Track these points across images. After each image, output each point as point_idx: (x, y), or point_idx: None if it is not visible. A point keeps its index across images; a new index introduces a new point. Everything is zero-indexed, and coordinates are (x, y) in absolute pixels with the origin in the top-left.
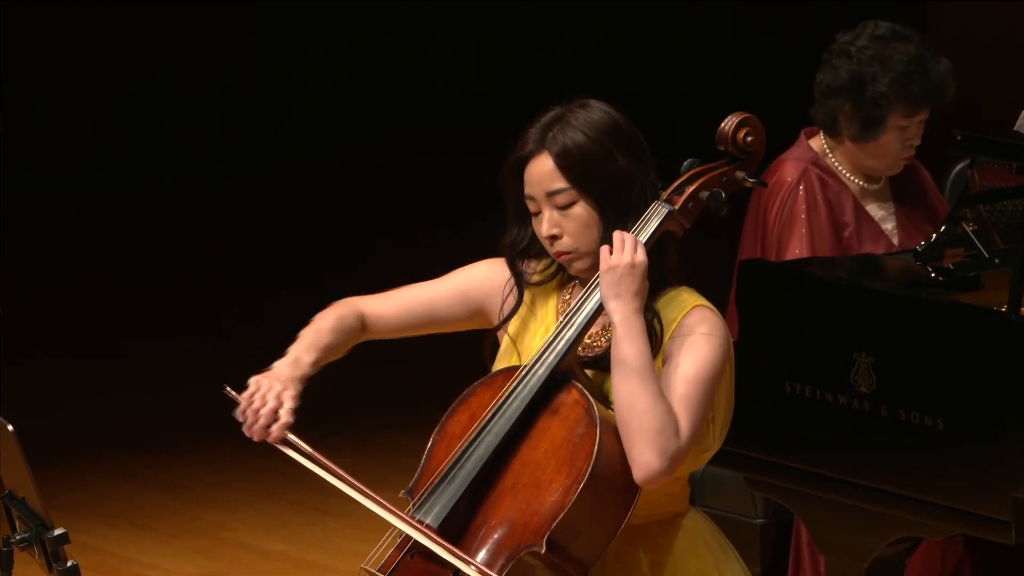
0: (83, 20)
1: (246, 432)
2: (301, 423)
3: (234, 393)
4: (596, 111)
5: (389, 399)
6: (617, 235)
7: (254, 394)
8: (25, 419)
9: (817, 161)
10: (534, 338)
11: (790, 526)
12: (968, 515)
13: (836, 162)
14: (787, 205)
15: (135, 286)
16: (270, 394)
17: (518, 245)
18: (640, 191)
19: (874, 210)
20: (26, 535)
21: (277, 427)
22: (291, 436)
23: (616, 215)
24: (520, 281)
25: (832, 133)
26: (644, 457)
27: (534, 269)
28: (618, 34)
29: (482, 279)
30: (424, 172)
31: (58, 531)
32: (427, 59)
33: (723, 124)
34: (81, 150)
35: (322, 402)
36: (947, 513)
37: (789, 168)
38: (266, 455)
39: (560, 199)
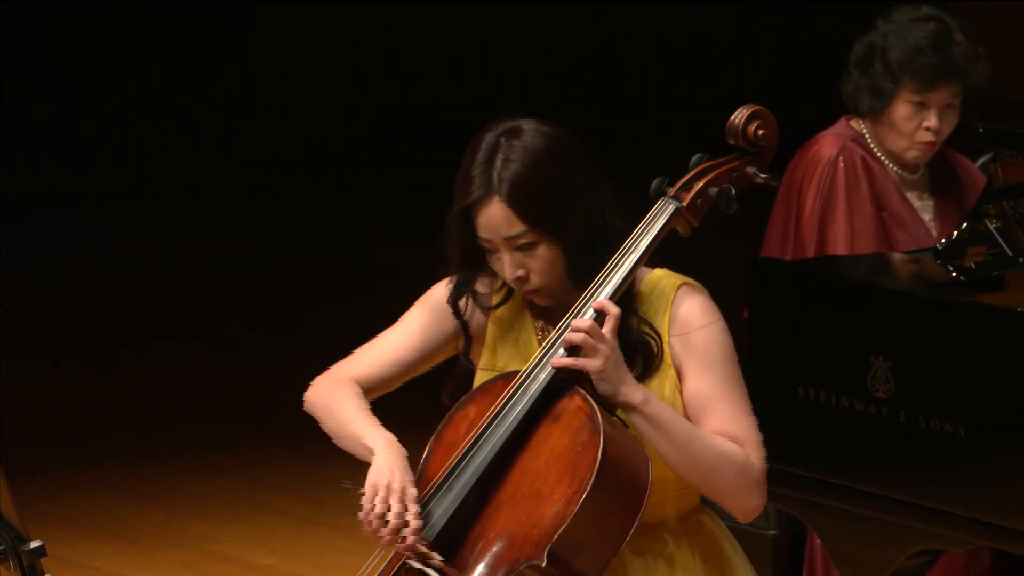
0: (83, 20)
1: (373, 538)
2: (293, 429)
3: (357, 490)
4: (530, 136)
5: (382, 406)
6: (575, 333)
7: (374, 498)
8: (1, 426)
9: (857, 140)
10: (511, 353)
11: (803, 538)
12: (991, 526)
13: (874, 146)
14: (827, 180)
15: (124, 288)
16: (392, 498)
17: (461, 291)
18: (599, 208)
19: (912, 199)
20: (1, 548)
21: (409, 537)
22: (427, 548)
23: (579, 242)
24: (465, 324)
25: (854, 109)
26: (738, 504)
27: (490, 289)
28: (618, 34)
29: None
30: (424, 172)
31: (35, 543)
32: (427, 59)
33: (733, 117)
34: (81, 150)
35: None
36: (969, 524)
37: (828, 143)
38: (254, 464)
39: (521, 241)
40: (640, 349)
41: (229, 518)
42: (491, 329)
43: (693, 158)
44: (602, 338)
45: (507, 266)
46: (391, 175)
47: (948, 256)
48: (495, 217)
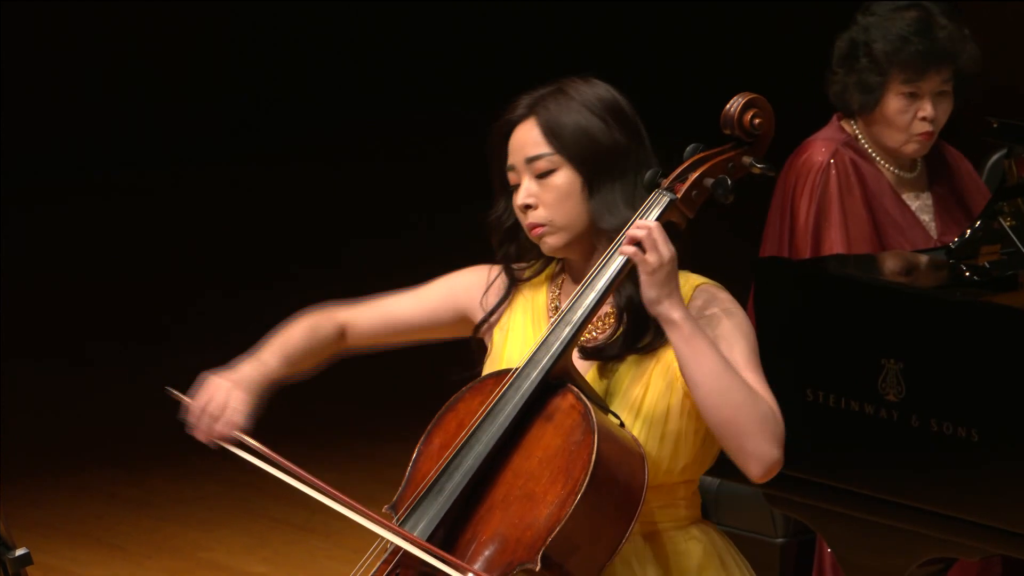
0: (83, 20)
1: (193, 433)
2: (286, 434)
3: (178, 393)
4: (598, 86)
5: (374, 408)
6: (639, 229)
7: (203, 392)
8: None
9: (849, 143)
10: (521, 337)
11: (812, 546)
12: (1005, 534)
13: (868, 147)
14: (819, 188)
15: (105, 287)
16: (219, 392)
17: (504, 222)
18: (634, 167)
19: (910, 199)
20: None
21: (221, 424)
22: (241, 435)
23: (604, 187)
24: (508, 264)
25: (844, 109)
26: (761, 449)
27: (521, 268)
28: (618, 34)
29: (467, 285)
30: (424, 171)
31: (20, 551)
32: (427, 59)
33: (728, 105)
34: (69, 147)
35: (303, 413)
36: (983, 532)
37: (818, 148)
38: (245, 469)
39: (540, 165)
40: (652, 319)
41: (220, 525)
42: (513, 301)
43: (687, 148)
44: (665, 240)
45: (521, 191)
46: (389, 174)
47: (961, 255)
48: (525, 137)
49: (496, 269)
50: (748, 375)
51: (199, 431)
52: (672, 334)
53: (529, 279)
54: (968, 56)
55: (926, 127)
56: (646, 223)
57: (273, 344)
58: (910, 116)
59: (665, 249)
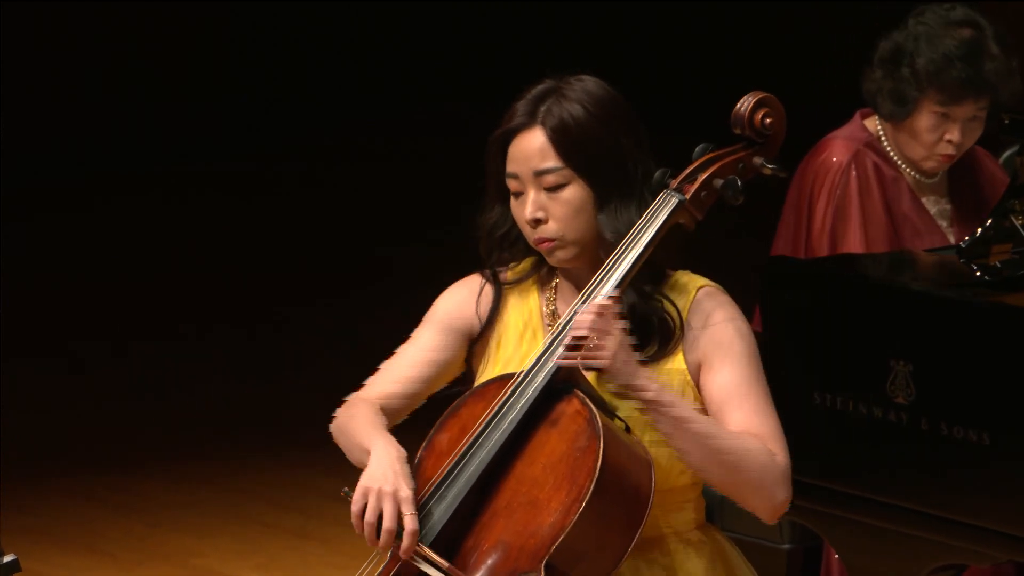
0: (83, 20)
1: (371, 545)
2: (281, 437)
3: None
4: (594, 84)
5: None
6: (578, 328)
7: (366, 505)
8: None
9: (871, 143)
10: (515, 345)
11: (819, 552)
12: (1017, 540)
13: (890, 148)
14: (838, 189)
15: (105, 287)
16: (385, 502)
17: (498, 229)
18: (644, 175)
19: (929, 204)
20: None
21: (406, 541)
22: (426, 549)
23: (618, 198)
24: (495, 273)
25: (875, 108)
26: (764, 500)
27: (506, 270)
28: (618, 34)
29: (455, 306)
30: (422, 172)
31: (8, 558)
32: (427, 59)
33: (739, 105)
34: (70, 149)
35: (302, 417)
36: (994, 538)
37: (839, 147)
38: (239, 474)
39: (550, 179)
40: (656, 325)
41: (214, 531)
42: (503, 306)
43: (697, 148)
44: (606, 332)
45: (529, 203)
46: (389, 175)
47: (972, 254)
48: (530, 147)
49: (479, 279)
50: (747, 401)
51: (380, 547)
52: (650, 411)
53: (515, 282)
54: (1011, 92)
55: (949, 149)
56: (581, 320)
57: (374, 424)
58: (937, 136)
59: (610, 339)
